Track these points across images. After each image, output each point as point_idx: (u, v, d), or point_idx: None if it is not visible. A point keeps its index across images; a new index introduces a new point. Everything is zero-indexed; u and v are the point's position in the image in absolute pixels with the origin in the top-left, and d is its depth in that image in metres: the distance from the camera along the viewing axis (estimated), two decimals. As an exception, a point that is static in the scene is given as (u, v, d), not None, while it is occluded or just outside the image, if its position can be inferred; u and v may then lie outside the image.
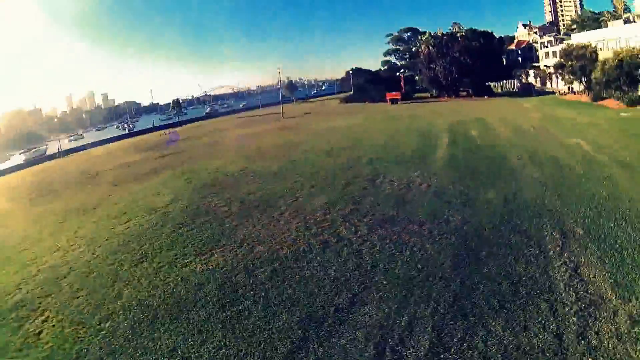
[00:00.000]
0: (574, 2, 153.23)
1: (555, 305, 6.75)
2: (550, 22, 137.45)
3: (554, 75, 74.25)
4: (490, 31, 65.27)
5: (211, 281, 8.97)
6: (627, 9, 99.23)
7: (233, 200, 15.33)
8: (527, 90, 66.57)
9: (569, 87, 55.85)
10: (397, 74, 77.16)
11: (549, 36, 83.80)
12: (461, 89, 62.66)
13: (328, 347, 6.16)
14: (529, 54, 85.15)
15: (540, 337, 5.97)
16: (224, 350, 6.45)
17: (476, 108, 42.49)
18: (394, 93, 62.12)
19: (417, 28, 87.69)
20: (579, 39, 64.65)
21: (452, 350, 5.79)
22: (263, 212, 13.38)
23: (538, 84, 72.19)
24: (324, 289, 7.97)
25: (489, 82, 64.64)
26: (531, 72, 76.38)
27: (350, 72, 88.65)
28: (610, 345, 5.57)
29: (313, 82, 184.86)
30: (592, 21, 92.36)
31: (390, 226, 10.94)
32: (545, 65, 77.47)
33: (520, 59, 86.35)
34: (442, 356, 5.71)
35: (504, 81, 71.51)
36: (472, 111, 39.32)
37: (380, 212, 12.17)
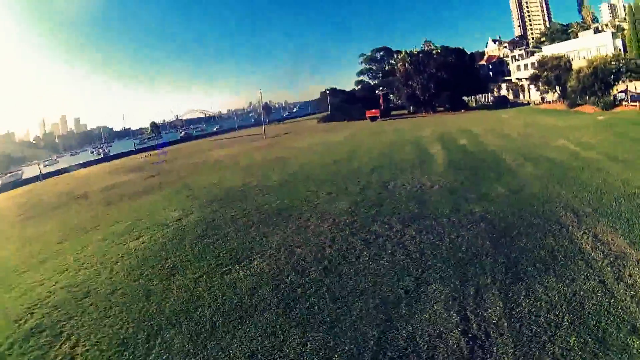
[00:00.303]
0: (542, 15, 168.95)
1: (589, 261, 8.21)
2: (520, 36, 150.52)
3: (527, 87, 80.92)
4: (461, 48, 71.31)
5: (262, 285, 9.18)
6: (595, 20, 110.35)
7: (249, 211, 15.84)
8: (502, 103, 72.16)
9: (542, 98, 61.20)
10: (377, 91, 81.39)
11: (520, 50, 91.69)
12: (438, 104, 67.05)
13: (415, 322, 6.84)
14: (500, 68, 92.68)
15: (588, 284, 7.33)
16: (310, 345, 6.62)
17: (457, 121, 45.84)
18: (373, 110, 65.73)
19: (390, 47, 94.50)
20: (550, 50, 71.62)
21: (523, 304, 6.93)
22: (287, 220, 14.07)
23: (511, 97, 78.18)
24: (385, 277, 8.69)
25: (464, 97, 69.58)
26: (503, 85, 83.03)
27: (328, 91, 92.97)
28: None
29: (284, 105, 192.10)
30: (561, 33, 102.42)
31: (421, 221, 12.14)
32: (517, 78, 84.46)
33: (491, 73, 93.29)
34: (517, 310, 6.80)
35: (478, 95, 76.86)
36: (454, 123, 42.41)
37: (405, 211, 13.39)
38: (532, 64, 78.50)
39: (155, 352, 7.16)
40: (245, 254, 11.31)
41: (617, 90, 38.72)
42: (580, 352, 5.64)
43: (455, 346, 6.12)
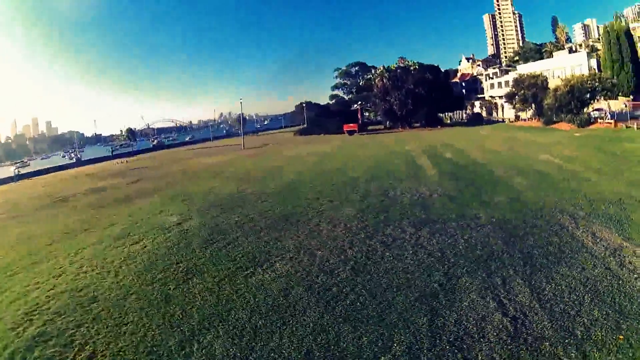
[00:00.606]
0: (516, 35, 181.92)
1: (593, 253, 9.81)
2: (493, 55, 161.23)
3: (500, 105, 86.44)
4: (436, 65, 75.88)
5: (294, 286, 9.64)
6: (568, 40, 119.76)
7: (253, 217, 16.37)
8: (476, 120, 76.77)
9: (516, 116, 65.82)
10: (354, 106, 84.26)
11: (494, 68, 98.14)
12: (414, 120, 70.47)
13: (457, 309, 7.83)
14: (473, 85, 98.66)
15: (596, 271, 8.86)
16: (365, 338, 7.19)
17: (436, 136, 48.70)
18: (351, 125, 68.13)
19: (365, 63, 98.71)
20: (525, 69, 77.32)
21: (546, 290, 8.19)
22: (296, 225, 14.68)
23: (485, 114, 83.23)
24: (414, 274, 9.61)
25: (440, 113, 73.62)
26: (477, 103, 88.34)
27: (304, 105, 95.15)
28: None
29: (255, 117, 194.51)
30: (534, 52, 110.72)
31: (431, 225, 13.36)
32: (490, 96, 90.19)
33: (464, 91, 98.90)
34: (543, 293, 8.08)
35: (453, 112, 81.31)
36: (434, 138, 45.09)
37: (413, 216, 14.58)
38: (507, 82, 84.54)
39: (196, 358, 7.17)
40: (264, 257, 11.79)
41: (593, 108, 42.83)
42: (605, 321, 6.93)
43: (500, 325, 7.18)
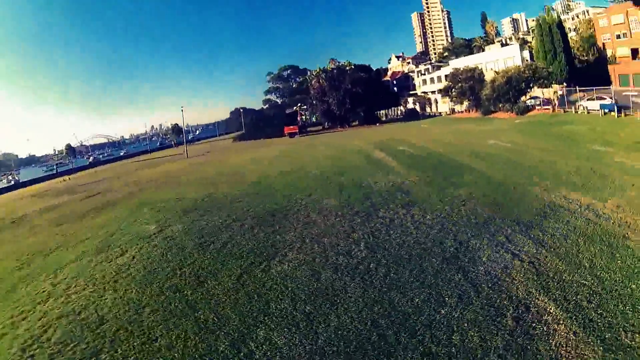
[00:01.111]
0: (445, 31, 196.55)
1: (571, 210, 12.58)
2: (422, 52, 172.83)
3: (434, 100, 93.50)
4: (368, 65, 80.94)
5: (320, 270, 10.51)
6: (497, 34, 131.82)
7: (237, 216, 16.88)
8: (413, 116, 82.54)
9: (451, 109, 72.02)
10: (294, 108, 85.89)
11: (425, 64, 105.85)
12: (352, 119, 74.10)
13: (480, 263, 9.56)
14: (405, 83, 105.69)
15: (579, 221, 11.45)
16: (418, 299, 8.41)
17: (380, 132, 52.15)
18: (291, 127, 69.79)
19: (297, 66, 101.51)
20: (458, 64, 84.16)
21: (545, 239, 10.40)
22: (286, 219, 15.40)
23: (418, 109, 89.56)
24: (427, 244, 11.17)
25: (377, 111, 78.29)
26: (410, 99, 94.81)
27: (241, 110, 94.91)
28: (610, 213, 11.37)
29: (186, 127, 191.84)
30: (464, 47, 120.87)
31: (420, 204, 15.11)
32: (423, 92, 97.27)
33: (396, 88, 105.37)
34: (544, 242, 10.21)
35: (387, 109, 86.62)
36: (379, 134, 48.34)
37: (398, 200, 16.15)
38: (439, 77, 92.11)
39: (260, 354, 7.44)
40: (272, 251, 12.47)
41: (529, 96, 48.61)
42: (602, 255, 9.14)
43: (522, 269, 9.06)
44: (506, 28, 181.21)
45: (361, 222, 14.13)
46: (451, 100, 61.14)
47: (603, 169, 16.89)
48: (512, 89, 45.61)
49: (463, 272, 9.32)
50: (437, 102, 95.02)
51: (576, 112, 39.21)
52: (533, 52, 65.95)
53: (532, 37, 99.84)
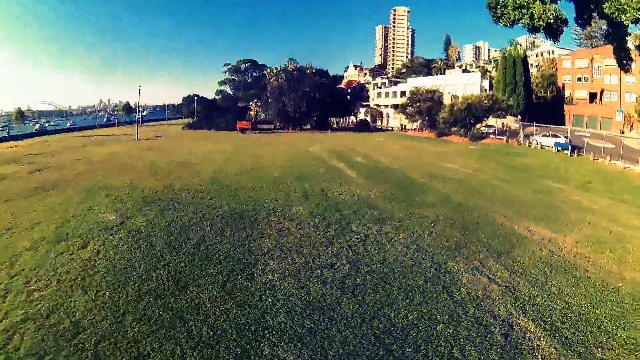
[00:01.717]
0: (407, 48, 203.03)
1: (535, 241, 13.95)
2: (380, 65, 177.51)
3: (385, 114, 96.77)
4: (326, 70, 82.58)
5: (308, 283, 10.73)
6: (458, 59, 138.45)
7: (205, 215, 16.65)
8: (364, 127, 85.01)
9: (402, 125, 75.06)
10: (250, 104, 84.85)
11: (382, 78, 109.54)
12: (304, 122, 75.08)
13: (463, 284, 10.53)
14: (360, 93, 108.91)
15: (543, 252, 12.83)
16: (412, 316, 9.07)
17: (335, 140, 53.58)
18: (244, 122, 69.74)
19: (256, 60, 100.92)
20: (417, 82, 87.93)
21: (515, 266, 11.61)
22: (257, 223, 15.53)
23: (369, 121, 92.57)
24: (407, 263, 12.00)
25: (330, 118, 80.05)
26: (362, 110, 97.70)
27: (196, 98, 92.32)
28: (571, 247, 12.80)
29: (134, 107, 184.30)
30: (423, 67, 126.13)
31: (390, 222, 15.93)
32: (376, 104, 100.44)
33: (349, 97, 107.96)
34: (515, 269, 11.42)
35: (339, 117, 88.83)
36: (335, 143, 49.67)
37: (367, 214, 16.90)
38: (395, 92, 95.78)
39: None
40: (251, 258, 12.42)
41: (484, 124, 51.93)
42: (568, 284, 10.53)
43: (500, 292, 10.15)
44: (468, 54, 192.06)
45: (336, 234, 14.62)
46: (406, 118, 63.82)
47: (560, 205, 19.09)
48: (470, 116, 48.79)
49: (447, 292, 10.15)
50: (388, 117, 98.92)
51: (529, 146, 42.56)
52: (493, 82, 71.00)
53: (493, 67, 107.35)
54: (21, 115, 74.41)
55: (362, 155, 36.09)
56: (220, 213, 17.09)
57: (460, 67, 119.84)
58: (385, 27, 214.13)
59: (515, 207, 18.41)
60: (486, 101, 48.37)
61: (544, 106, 69.90)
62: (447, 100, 56.72)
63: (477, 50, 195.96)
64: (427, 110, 57.18)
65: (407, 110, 60.29)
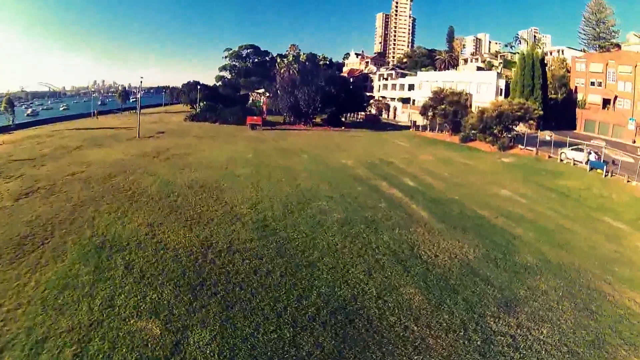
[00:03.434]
0: (408, 37, 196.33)
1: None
2: (379, 53, 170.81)
3: (393, 107, 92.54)
4: (331, 58, 77.58)
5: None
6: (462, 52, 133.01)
7: (297, 318, 12.02)
8: (374, 121, 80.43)
9: (412, 122, 70.97)
10: (254, 93, 79.48)
11: (388, 69, 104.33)
12: (314, 117, 70.35)
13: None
14: (363, 83, 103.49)
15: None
16: None
17: (357, 143, 50.13)
18: (254, 117, 64.73)
19: (258, 46, 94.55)
20: (426, 77, 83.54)
21: None
22: (375, 333, 11.53)
23: (378, 115, 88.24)
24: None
25: (344, 114, 75.28)
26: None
27: (200, 86, 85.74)
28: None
29: (127, 88, 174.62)
30: (425, 57, 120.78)
31: (522, 308, 12.37)
32: (382, 96, 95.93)
33: (351, 87, 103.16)
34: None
35: (352, 113, 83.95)
36: (360, 148, 45.95)
37: (492, 299, 13.27)
38: (402, 85, 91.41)
39: None
40: None
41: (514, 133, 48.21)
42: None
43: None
44: (468, 46, 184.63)
45: (482, 345, 10.85)
46: (426, 118, 59.76)
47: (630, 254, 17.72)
48: (500, 124, 45.17)
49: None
50: (396, 110, 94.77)
51: (561, 161, 39.41)
52: (510, 83, 66.62)
53: (500, 63, 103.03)
54: (10, 105, 65.63)
55: (405, 174, 32.29)
56: (312, 312, 12.19)
57: (465, 60, 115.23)
58: (386, 15, 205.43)
59: (605, 266, 16.11)
60: (519, 110, 44.65)
61: (556, 109, 66.40)
62: (480, 107, 52.64)
63: (478, 42, 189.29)
64: (452, 113, 53.31)
65: (431, 111, 56.32)
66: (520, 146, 44.96)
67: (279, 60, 71.27)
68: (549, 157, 40.92)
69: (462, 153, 43.94)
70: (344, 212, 21.69)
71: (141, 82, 55.72)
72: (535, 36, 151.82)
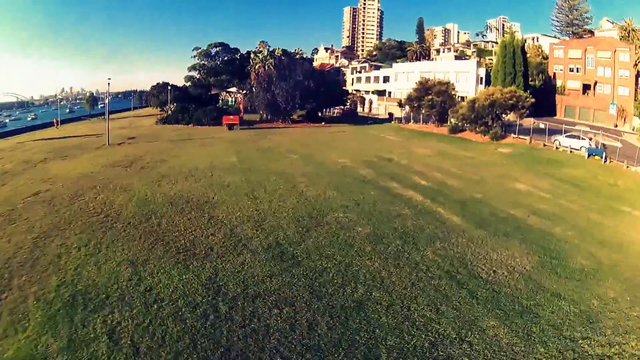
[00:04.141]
0: (376, 31, 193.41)
1: None
2: (348, 47, 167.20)
3: (368, 100, 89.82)
4: (310, 57, 73.17)
5: None
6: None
7: None
8: (352, 115, 77.13)
9: (389, 114, 68.38)
10: (238, 96, 74.24)
11: (359, 62, 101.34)
12: (293, 114, 66.30)
13: None
14: (335, 77, 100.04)
15: None
16: None
17: (345, 140, 46.38)
18: (231, 117, 59.96)
19: (228, 44, 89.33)
20: (402, 68, 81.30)
21: None
22: None
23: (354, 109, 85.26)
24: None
25: (324, 109, 71.47)
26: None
27: (170, 87, 79.33)
28: None
29: (95, 94, 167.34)
30: (395, 49, 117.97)
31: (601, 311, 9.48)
32: (356, 90, 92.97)
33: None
34: None
35: (331, 107, 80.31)
36: (348, 144, 42.51)
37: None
38: (377, 77, 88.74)
39: None
40: None
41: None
42: None
43: None
44: (437, 37, 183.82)
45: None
46: (411, 110, 56.97)
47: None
48: (492, 113, 42.80)
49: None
50: (371, 103, 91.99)
51: (557, 149, 37.90)
52: (492, 71, 65.25)
53: (473, 52, 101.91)
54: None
55: (412, 172, 28.99)
56: None
57: (438, 50, 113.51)
58: (353, 9, 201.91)
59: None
60: (511, 98, 42.55)
61: (535, 96, 65.42)
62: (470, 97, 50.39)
63: (446, 32, 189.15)
64: (440, 104, 50.68)
65: (414, 103, 53.54)
66: (513, 135, 43.03)
67: (252, 55, 66.02)
68: (544, 145, 39.41)
69: (456, 145, 41.44)
70: (368, 225, 17.89)
71: (109, 84, 48.60)
72: (504, 25, 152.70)
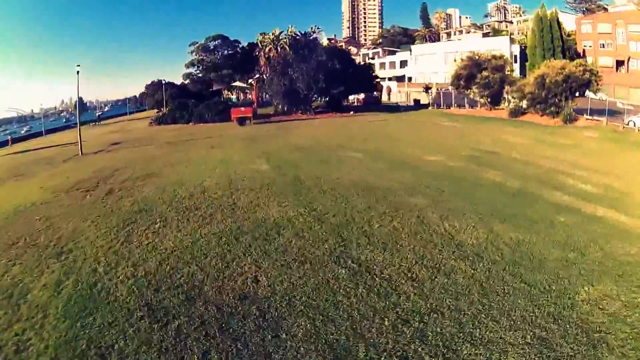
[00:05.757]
0: (379, 19, 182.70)
1: None
2: (350, 37, 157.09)
3: (386, 87, 79.65)
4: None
5: None
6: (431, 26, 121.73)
7: None
8: (376, 103, 66.48)
9: (415, 100, 58.81)
10: (250, 81, 63.08)
11: (368, 48, 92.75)
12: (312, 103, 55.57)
13: None
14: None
15: None
16: None
17: (402, 130, 35.40)
18: (242, 109, 48.12)
19: (227, 36, 79.85)
20: (421, 50, 70.89)
21: None
22: None
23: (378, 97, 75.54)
24: None
25: (350, 96, 61.44)
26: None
27: (164, 84, 69.11)
28: None
29: (95, 103, 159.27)
30: (402, 36, 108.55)
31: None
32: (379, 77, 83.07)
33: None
34: None
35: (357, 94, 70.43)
36: (416, 136, 31.36)
37: None
38: (392, 63, 78.57)
39: None
40: None
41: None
42: None
43: None
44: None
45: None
46: (458, 92, 46.70)
47: None
48: (566, 90, 33.35)
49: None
50: (390, 90, 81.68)
51: (639, 130, 29.61)
52: (527, 49, 57.47)
53: (486, 32, 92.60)
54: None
55: (546, 170, 19.10)
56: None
57: (448, 34, 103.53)
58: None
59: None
60: (585, 74, 33.61)
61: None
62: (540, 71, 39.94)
63: (448, 17, 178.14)
64: (499, 81, 40.38)
65: (463, 82, 43.22)
66: (585, 116, 33.70)
67: (260, 37, 54.74)
68: (623, 127, 30.93)
69: (537, 131, 31.50)
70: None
71: (78, 72, 35.51)
72: (505, 7, 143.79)
